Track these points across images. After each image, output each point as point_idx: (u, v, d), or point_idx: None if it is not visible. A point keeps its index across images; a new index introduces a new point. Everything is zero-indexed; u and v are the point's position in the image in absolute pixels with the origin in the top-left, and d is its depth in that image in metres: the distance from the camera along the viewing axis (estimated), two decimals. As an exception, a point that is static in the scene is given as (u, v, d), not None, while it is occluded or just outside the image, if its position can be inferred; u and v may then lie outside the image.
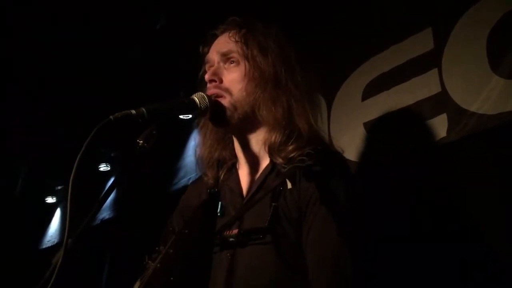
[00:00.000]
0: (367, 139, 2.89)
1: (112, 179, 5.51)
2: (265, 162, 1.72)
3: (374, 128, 2.88)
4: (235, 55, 1.71)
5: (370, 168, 2.79)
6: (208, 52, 1.79)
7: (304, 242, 1.54)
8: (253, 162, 1.75)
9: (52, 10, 3.56)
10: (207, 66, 1.78)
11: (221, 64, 1.73)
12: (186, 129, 4.60)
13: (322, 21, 3.31)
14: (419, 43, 2.72)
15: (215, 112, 1.66)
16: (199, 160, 1.84)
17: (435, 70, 2.61)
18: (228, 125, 1.70)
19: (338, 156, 1.75)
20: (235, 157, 1.82)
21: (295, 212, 1.56)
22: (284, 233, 1.54)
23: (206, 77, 1.71)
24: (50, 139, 5.31)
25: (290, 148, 1.62)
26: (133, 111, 1.34)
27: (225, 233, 1.59)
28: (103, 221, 5.52)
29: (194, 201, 1.84)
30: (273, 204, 1.54)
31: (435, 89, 2.60)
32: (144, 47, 3.98)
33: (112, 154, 5.63)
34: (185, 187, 4.45)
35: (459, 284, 2.29)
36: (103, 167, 5.62)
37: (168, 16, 3.68)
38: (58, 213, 6.79)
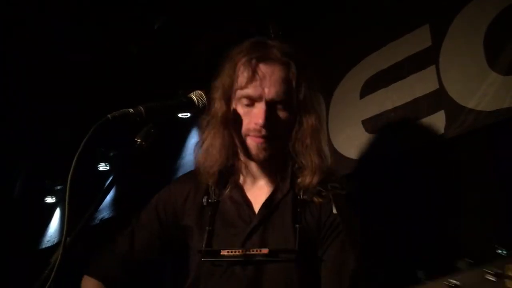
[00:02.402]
0: (365, 136, 2.89)
1: (110, 178, 5.50)
2: (275, 178, 1.74)
3: (372, 126, 2.88)
4: (289, 102, 1.65)
5: (368, 165, 2.79)
6: (252, 78, 1.63)
7: (321, 262, 1.63)
8: (261, 177, 1.76)
9: (49, 8, 3.56)
10: (245, 99, 1.65)
11: (271, 107, 1.63)
12: (185, 128, 4.60)
13: (321, 19, 3.31)
14: (417, 40, 2.72)
15: (259, 155, 1.67)
16: (201, 167, 1.77)
17: (433, 67, 2.62)
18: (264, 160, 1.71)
19: (350, 184, 1.77)
20: (237, 166, 1.77)
21: (315, 231, 1.64)
22: (307, 252, 1.61)
23: (261, 122, 1.61)
24: (50, 139, 5.31)
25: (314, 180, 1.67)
26: (131, 110, 1.33)
27: (252, 251, 1.61)
28: (103, 220, 5.52)
29: (179, 199, 1.81)
30: (297, 226, 1.61)
31: (433, 86, 2.60)
32: (143, 46, 3.98)
33: (111, 154, 5.63)
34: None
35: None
36: (102, 167, 5.62)
37: (166, 16, 3.68)
38: (57, 213, 6.79)
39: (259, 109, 1.61)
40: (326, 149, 1.75)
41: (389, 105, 2.80)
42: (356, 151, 2.90)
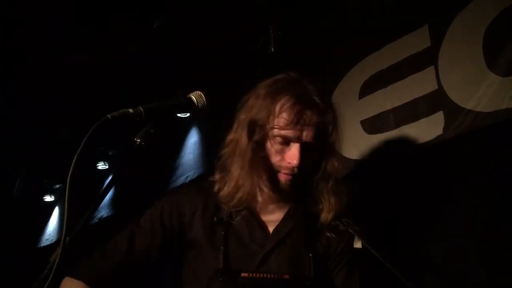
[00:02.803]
0: (364, 136, 2.90)
1: (110, 178, 5.52)
2: (289, 205, 1.83)
3: (371, 126, 2.89)
4: (322, 145, 1.74)
5: (367, 166, 2.80)
6: (293, 122, 1.67)
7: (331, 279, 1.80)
8: (276, 203, 1.82)
9: (49, 8, 3.56)
10: (281, 138, 1.68)
11: (304, 148, 1.69)
12: (184, 127, 4.60)
13: (321, 19, 3.31)
14: (416, 41, 2.72)
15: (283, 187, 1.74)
16: (230, 197, 1.77)
17: (432, 68, 2.62)
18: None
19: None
20: (253, 191, 1.80)
21: (325, 261, 1.79)
22: (322, 280, 1.75)
23: (296, 162, 1.66)
24: (49, 138, 5.31)
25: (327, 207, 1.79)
26: (131, 110, 1.34)
27: (273, 275, 1.68)
28: (102, 219, 5.53)
29: (187, 212, 1.81)
30: (311, 255, 1.74)
31: (432, 86, 2.60)
32: (142, 45, 3.98)
33: (110, 153, 5.64)
34: (183, 185, 4.46)
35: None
36: (101, 166, 5.64)
37: (166, 15, 3.69)
38: (56, 211, 6.80)
39: (294, 150, 1.67)
40: (344, 189, 1.82)
41: (388, 106, 2.80)
42: (354, 151, 2.90)
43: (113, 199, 5.45)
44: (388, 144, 2.75)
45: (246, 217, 1.77)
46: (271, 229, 1.77)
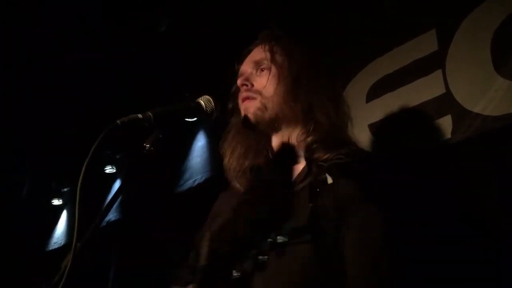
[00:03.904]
0: (371, 140, 2.89)
1: (118, 183, 5.52)
2: (301, 165, 1.78)
3: (378, 130, 2.88)
4: (265, 62, 1.86)
5: (374, 169, 2.79)
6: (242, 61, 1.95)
7: (342, 242, 1.57)
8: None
9: (53, 8, 3.58)
10: (240, 79, 1.90)
11: (253, 72, 1.87)
12: (192, 131, 4.61)
13: (326, 23, 3.31)
14: (423, 44, 2.72)
15: (247, 115, 1.81)
16: (229, 171, 1.88)
17: (439, 71, 2.61)
18: (259, 124, 1.82)
19: (370, 157, 1.87)
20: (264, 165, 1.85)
21: (333, 211, 1.59)
22: (322, 231, 1.56)
23: (239, 82, 1.84)
24: (56, 141, 5.33)
25: (325, 146, 1.74)
26: (140, 115, 1.35)
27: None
28: (109, 223, 5.54)
29: (224, 209, 1.87)
30: (310, 204, 1.53)
31: (440, 90, 2.60)
32: (149, 50, 3.99)
33: (118, 156, 5.65)
34: (191, 189, 4.44)
35: None
36: (108, 169, 5.63)
37: (171, 18, 3.70)
38: (64, 215, 6.81)
39: None
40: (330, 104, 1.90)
41: (395, 109, 2.80)
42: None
43: (121, 203, 5.45)
44: (396, 148, 2.74)
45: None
46: None
